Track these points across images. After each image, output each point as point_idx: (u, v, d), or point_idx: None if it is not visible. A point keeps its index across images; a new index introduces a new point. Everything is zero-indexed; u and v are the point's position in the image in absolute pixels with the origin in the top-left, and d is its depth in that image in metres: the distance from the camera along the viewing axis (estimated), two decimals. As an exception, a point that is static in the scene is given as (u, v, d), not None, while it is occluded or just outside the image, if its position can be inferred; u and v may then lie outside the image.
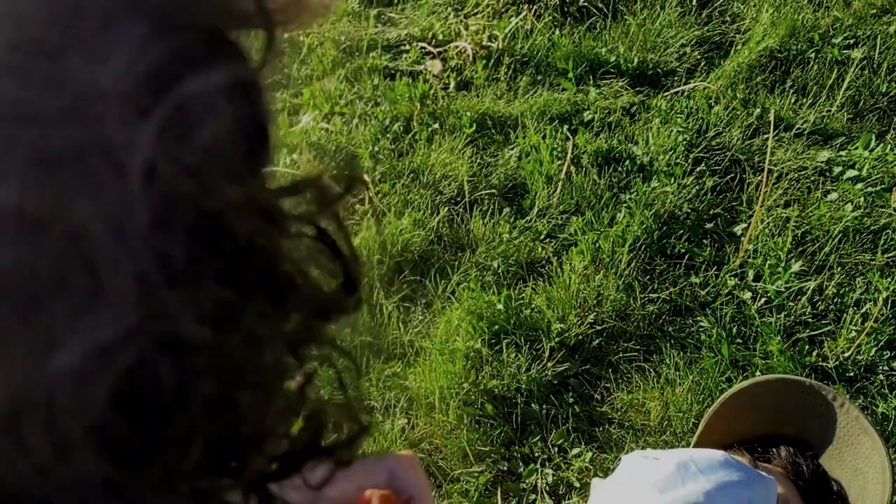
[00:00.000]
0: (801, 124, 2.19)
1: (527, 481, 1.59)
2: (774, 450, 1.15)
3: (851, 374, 1.72)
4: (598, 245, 1.95)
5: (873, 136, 2.10)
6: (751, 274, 1.89)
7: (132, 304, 0.29)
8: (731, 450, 1.16)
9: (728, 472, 0.98)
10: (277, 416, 0.39)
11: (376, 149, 2.29)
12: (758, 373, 1.71)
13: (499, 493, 1.58)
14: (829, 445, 1.14)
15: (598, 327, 1.82)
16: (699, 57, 2.46)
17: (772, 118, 2.05)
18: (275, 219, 0.35)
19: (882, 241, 1.91)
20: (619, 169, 2.12)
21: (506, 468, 1.62)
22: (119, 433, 0.32)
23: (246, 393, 0.35)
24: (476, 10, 2.87)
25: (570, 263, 1.92)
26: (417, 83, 2.56)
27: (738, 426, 1.19)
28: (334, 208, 0.38)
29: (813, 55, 2.38)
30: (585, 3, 2.72)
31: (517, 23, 2.71)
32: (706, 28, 2.55)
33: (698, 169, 2.10)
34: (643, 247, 1.94)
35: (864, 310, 1.80)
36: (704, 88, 2.32)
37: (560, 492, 1.59)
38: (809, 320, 1.80)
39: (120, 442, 0.32)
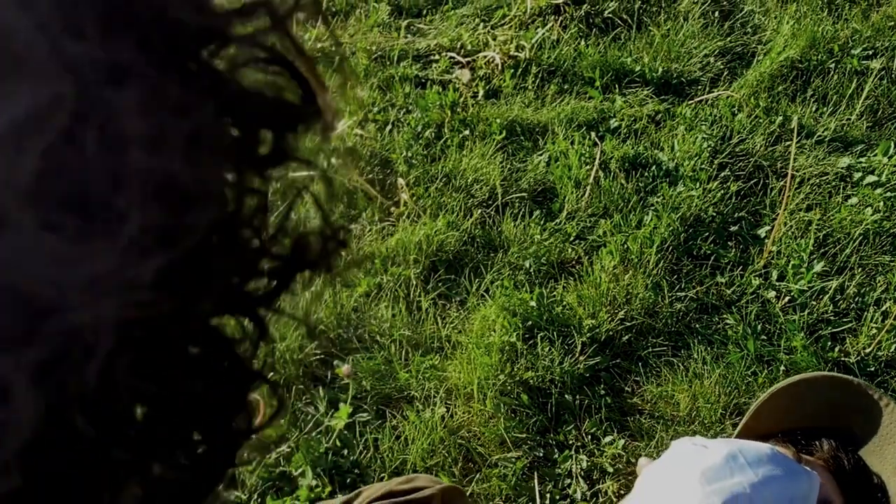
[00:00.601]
0: (822, 132, 2.27)
1: (562, 467, 1.67)
2: (817, 442, 1.16)
3: (872, 368, 1.79)
4: (626, 246, 2.03)
5: (892, 144, 2.18)
6: (774, 274, 1.96)
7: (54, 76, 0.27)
8: (775, 440, 1.18)
9: (774, 467, 1.01)
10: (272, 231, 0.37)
11: (409, 154, 2.38)
12: (782, 368, 1.78)
13: (535, 477, 1.66)
14: (870, 441, 1.17)
15: (628, 324, 1.90)
16: (722, 67, 2.55)
17: (795, 126, 2.13)
18: (226, 37, 0.33)
19: (901, 244, 1.99)
20: (646, 174, 2.20)
21: (541, 454, 1.70)
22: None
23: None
24: (503, 22, 2.96)
25: (600, 263, 2.00)
26: (447, 91, 2.65)
27: (783, 419, 1.20)
28: (285, 25, 0.35)
29: (833, 65, 2.45)
30: (610, 15, 2.81)
31: (543, 33, 2.80)
32: (728, 39, 2.64)
33: (723, 174, 2.18)
34: (670, 248, 2.01)
35: (884, 308, 1.87)
36: (728, 97, 2.40)
37: (594, 477, 1.66)
38: (831, 318, 1.87)
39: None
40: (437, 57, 2.87)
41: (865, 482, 1.12)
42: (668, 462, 1.06)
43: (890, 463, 1.14)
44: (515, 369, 1.81)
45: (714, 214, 2.09)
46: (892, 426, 1.15)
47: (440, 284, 2.03)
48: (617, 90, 2.51)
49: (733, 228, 2.07)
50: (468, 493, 1.62)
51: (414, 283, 2.02)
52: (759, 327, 1.86)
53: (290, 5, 0.34)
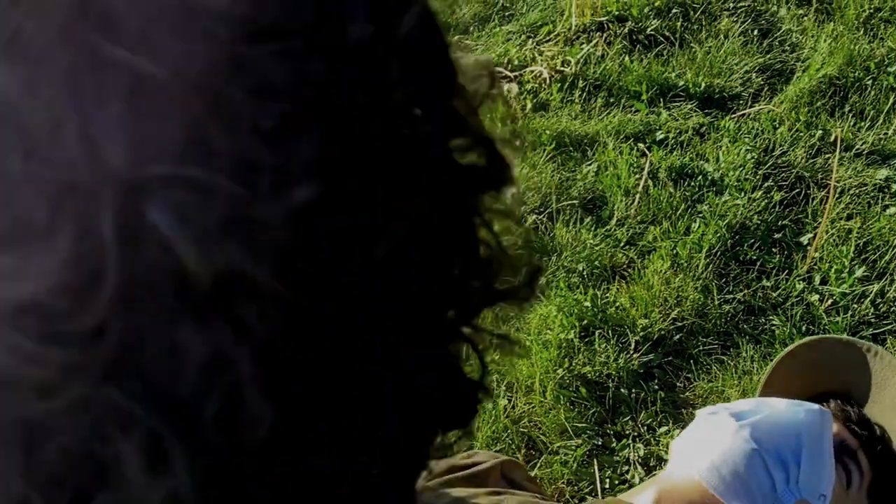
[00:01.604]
0: (861, 145, 2.38)
1: (620, 454, 1.78)
2: (825, 403, 1.24)
3: (912, 368, 1.89)
4: (675, 251, 2.14)
5: (929, 157, 2.29)
6: (817, 278, 2.07)
7: None
8: None
9: (792, 404, 1.13)
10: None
11: (465, 162, 2.50)
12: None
13: (595, 463, 1.77)
14: (868, 393, 1.29)
15: (679, 324, 2.01)
16: (762, 82, 2.66)
17: (838, 141, 2.24)
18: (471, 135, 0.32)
19: (938, 252, 2.09)
20: (693, 183, 2.32)
21: (600, 443, 1.81)
22: None
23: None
24: (549, 38, 3.09)
25: (651, 267, 2.11)
26: (497, 105, 2.77)
27: (790, 387, 1.28)
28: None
29: (870, 82, 2.56)
30: (653, 32, 2.93)
31: (589, 49, 2.92)
32: (768, 56, 2.75)
33: (766, 184, 2.29)
34: (718, 253, 2.13)
35: (923, 312, 1.98)
36: (769, 111, 2.51)
37: (651, 464, 1.77)
38: (872, 320, 1.98)
39: None
40: (485, 71, 2.99)
41: (872, 429, 1.21)
42: (695, 424, 1.15)
43: (888, 406, 1.24)
44: (573, 364, 1.92)
45: (759, 222, 2.20)
46: (882, 372, 1.25)
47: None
48: (662, 104, 2.62)
49: (777, 235, 2.18)
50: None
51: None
52: (803, 328, 1.97)
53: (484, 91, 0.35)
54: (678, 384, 1.92)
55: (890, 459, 1.20)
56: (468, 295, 0.35)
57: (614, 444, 1.81)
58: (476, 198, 0.34)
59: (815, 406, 1.14)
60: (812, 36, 2.81)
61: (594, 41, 2.97)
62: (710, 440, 1.08)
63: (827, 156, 2.35)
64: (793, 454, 1.06)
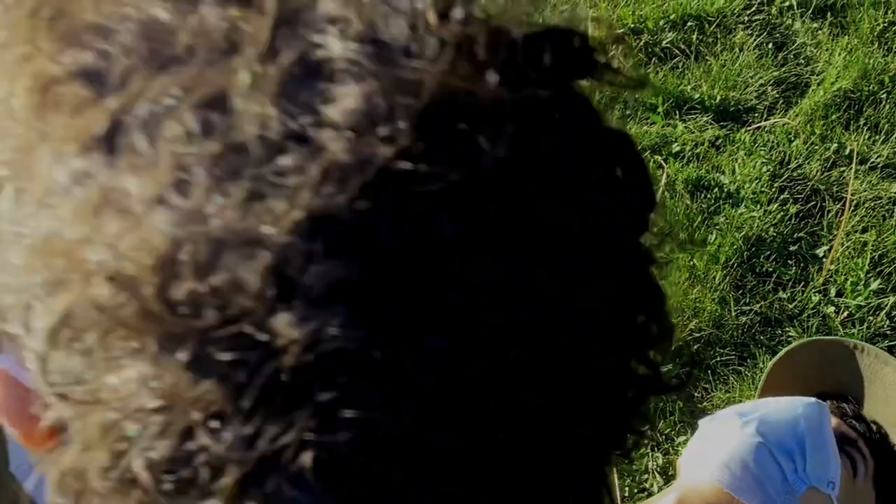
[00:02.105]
0: (875, 158, 2.40)
1: (639, 463, 1.81)
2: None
3: (928, 380, 1.91)
4: (692, 263, 2.17)
5: (943, 171, 2.31)
6: (833, 290, 2.09)
7: None
8: None
9: (791, 400, 1.16)
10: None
11: (483, 173, 2.54)
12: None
13: (614, 472, 1.80)
14: (862, 390, 1.32)
15: (696, 334, 2.04)
16: (777, 95, 2.69)
17: (854, 154, 2.26)
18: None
19: (953, 265, 2.12)
20: (709, 195, 2.35)
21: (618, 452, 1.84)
22: None
23: None
24: (565, 50, 3.13)
25: (669, 278, 2.14)
26: (514, 115, 2.81)
27: (786, 391, 1.30)
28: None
29: (884, 96, 2.59)
30: (668, 45, 2.96)
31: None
32: (783, 69, 2.78)
33: (782, 197, 2.32)
34: (734, 265, 2.15)
35: (938, 325, 2.01)
36: (784, 124, 2.54)
37: (669, 472, 1.80)
38: (888, 332, 2.01)
39: None
40: (502, 82, 3.03)
41: (869, 424, 1.25)
42: (699, 432, 1.19)
43: (880, 399, 1.28)
44: (592, 374, 1.95)
45: (775, 234, 2.23)
46: (871, 367, 1.29)
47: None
48: (678, 116, 2.65)
49: (793, 248, 2.21)
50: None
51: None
52: (819, 340, 1.99)
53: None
54: (696, 394, 1.95)
55: (888, 450, 1.24)
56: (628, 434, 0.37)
57: (633, 453, 1.83)
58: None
59: (812, 399, 1.17)
60: (826, 49, 2.84)
61: (610, 54, 3.00)
62: (717, 441, 1.12)
63: (842, 169, 2.38)
64: (797, 444, 1.10)
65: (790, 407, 1.14)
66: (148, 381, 0.27)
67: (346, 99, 0.27)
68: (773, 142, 2.49)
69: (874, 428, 1.26)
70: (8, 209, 0.30)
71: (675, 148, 2.53)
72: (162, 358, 0.26)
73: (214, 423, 0.26)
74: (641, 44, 2.96)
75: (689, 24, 3.03)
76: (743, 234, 2.21)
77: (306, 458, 0.26)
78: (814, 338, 1.39)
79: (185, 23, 0.28)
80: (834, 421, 1.21)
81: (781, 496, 1.08)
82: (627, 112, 2.73)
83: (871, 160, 2.40)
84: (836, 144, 2.44)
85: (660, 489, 1.77)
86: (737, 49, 2.89)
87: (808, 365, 1.34)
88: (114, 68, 0.28)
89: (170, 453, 0.27)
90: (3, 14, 0.31)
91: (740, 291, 2.12)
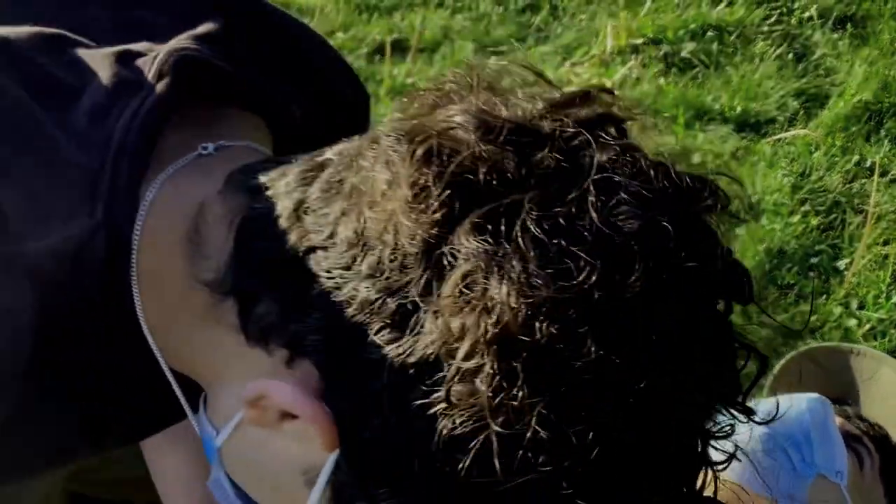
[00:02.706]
0: (897, 171, 2.41)
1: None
2: None
3: (950, 394, 1.92)
4: (713, 274, 2.17)
5: (965, 183, 2.31)
6: (854, 303, 2.10)
7: None
8: None
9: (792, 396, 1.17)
10: None
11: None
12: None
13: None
14: (860, 392, 1.33)
15: (718, 346, 2.04)
16: (798, 107, 2.69)
17: (876, 167, 2.27)
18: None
19: (975, 278, 2.12)
20: (730, 207, 2.35)
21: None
22: None
23: None
24: (583, 60, 3.14)
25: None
26: (534, 125, 2.82)
27: None
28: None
29: (905, 108, 2.59)
30: (688, 55, 2.97)
31: (624, 72, 2.97)
32: (803, 80, 2.78)
33: (803, 209, 2.32)
34: (756, 277, 2.15)
35: (960, 338, 2.01)
36: (805, 136, 2.54)
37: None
38: (910, 345, 2.01)
39: None
40: (521, 92, 3.04)
41: (871, 423, 1.27)
42: None
43: (879, 397, 1.29)
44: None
45: (796, 247, 2.23)
46: (869, 366, 1.32)
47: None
48: (698, 127, 2.66)
49: (814, 260, 2.21)
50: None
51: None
52: (841, 353, 2.00)
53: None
54: (718, 406, 1.95)
55: (891, 447, 1.25)
56: None
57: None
58: None
59: (815, 394, 1.19)
60: (847, 61, 2.84)
61: (629, 63, 3.01)
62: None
63: (863, 181, 2.38)
64: (803, 435, 1.12)
65: (795, 402, 1.16)
66: None
67: None
68: (793, 153, 2.49)
69: (876, 427, 1.28)
70: None
71: (696, 159, 2.52)
72: None
73: None
74: (661, 54, 2.97)
75: (708, 34, 3.03)
76: (765, 246, 2.22)
77: None
78: (811, 345, 1.41)
79: None
80: (838, 419, 1.23)
81: (790, 484, 1.09)
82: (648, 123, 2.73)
83: (893, 172, 2.40)
84: (857, 156, 2.45)
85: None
86: (757, 60, 2.90)
87: (808, 373, 1.36)
88: None
89: None
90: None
91: (761, 303, 2.12)
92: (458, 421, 0.40)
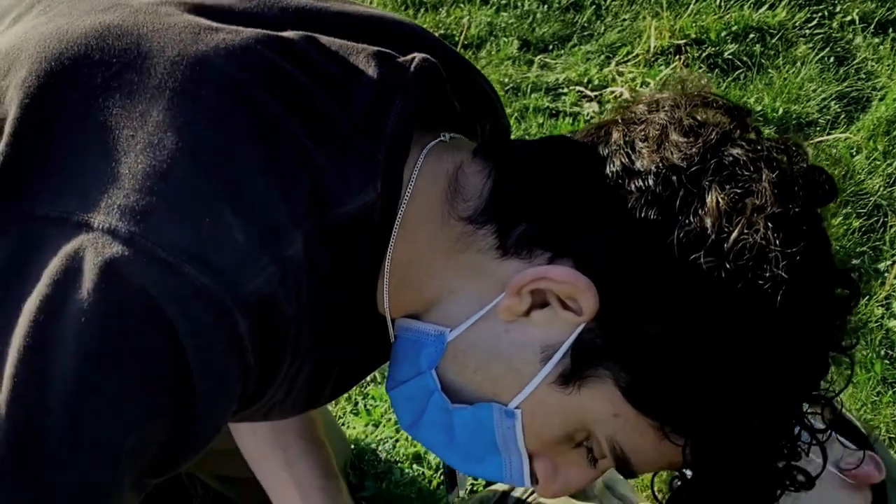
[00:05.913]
0: (937, 175, 2.47)
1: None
2: None
3: None
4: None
5: None
6: (895, 305, 2.17)
7: None
8: None
9: None
10: None
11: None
12: (904, 390, 1.99)
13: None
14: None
15: (762, 344, 2.12)
16: (839, 110, 2.75)
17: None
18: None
19: None
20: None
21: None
22: None
23: None
24: (627, 59, 3.20)
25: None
26: (578, 122, 2.89)
27: None
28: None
29: (946, 113, 2.65)
30: (730, 57, 3.03)
31: (668, 72, 3.03)
32: (844, 84, 2.84)
33: (844, 211, 2.39)
34: (798, 277, 2.23)
35: None
36: (846, 139, 2.61)
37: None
38: (949, 347, 2.08)
39: None
40: (566, 90, 3.11)
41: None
42: None
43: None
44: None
45: (838, 248, 2.30)
46: None
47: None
48: (741, 129, 2.72)
49: (855, 262, 2.28)
50: None
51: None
52: (882, 352, 2.07)
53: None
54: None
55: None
56: None
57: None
58: None
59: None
60: (888, 65, 2.89)
61: (673, 64, 3.07)
62: None
63: (904, 185, 2.44)
64: None
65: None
66: None
67: None
68: (835, 156, 2.55)
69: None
70: None
71: (739, 160, 2.60)
72: None
73: None
74: (704, 55, 3.03)
75: (751, 35, 3.09)
76: (807, 247, 2.29)
77: None
78: None
79: None
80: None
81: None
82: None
83: (933, 176, 2.46)
84: (898, 160, 2.51)
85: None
86: (798, 62, 2.95)
87: None
88: None
89: None
90: None
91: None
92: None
